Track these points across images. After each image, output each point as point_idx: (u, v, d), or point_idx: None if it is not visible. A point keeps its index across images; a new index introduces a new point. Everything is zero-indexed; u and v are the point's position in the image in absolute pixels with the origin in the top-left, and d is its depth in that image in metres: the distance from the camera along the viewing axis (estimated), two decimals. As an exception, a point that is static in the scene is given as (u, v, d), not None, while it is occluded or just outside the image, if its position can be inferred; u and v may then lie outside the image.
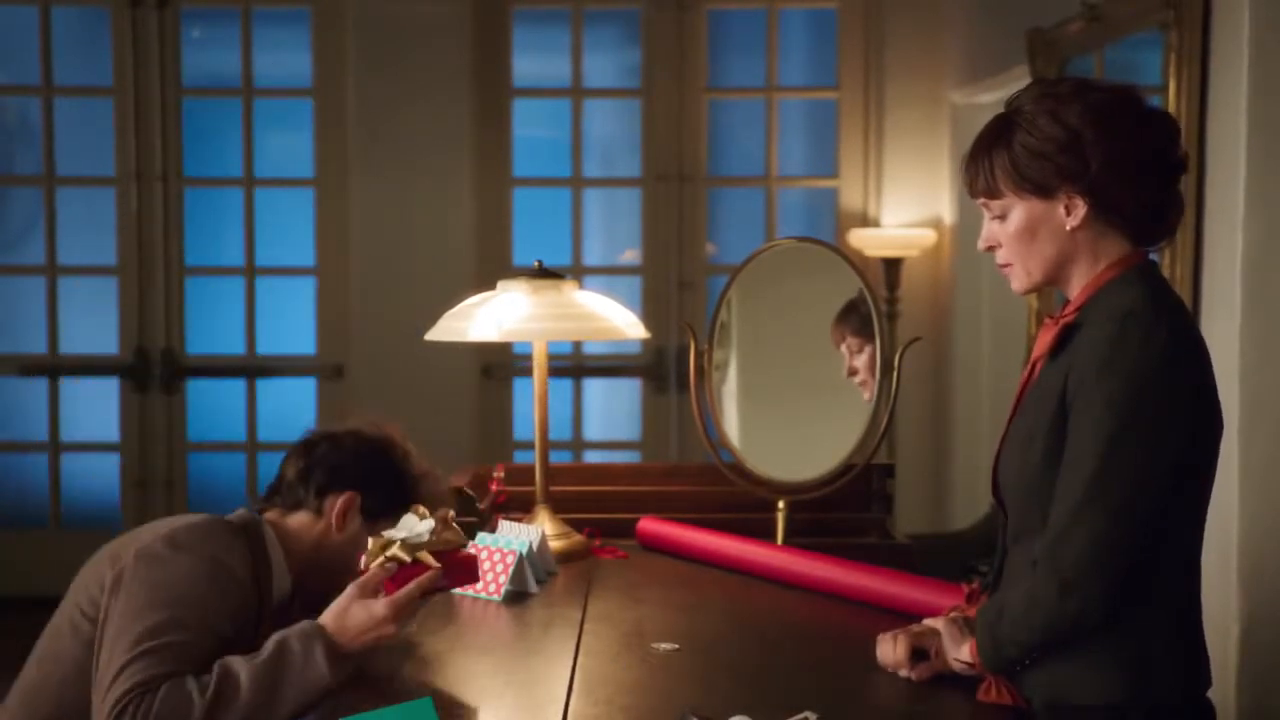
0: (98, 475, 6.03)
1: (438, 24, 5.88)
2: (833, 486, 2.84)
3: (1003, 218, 1.92)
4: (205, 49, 6.19)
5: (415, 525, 2.10)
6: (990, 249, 1.95)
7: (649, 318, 5.69)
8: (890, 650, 1.99)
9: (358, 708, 1.83)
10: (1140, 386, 1.77)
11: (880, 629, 2.05)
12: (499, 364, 5.98)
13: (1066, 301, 1.93)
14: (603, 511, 2.96)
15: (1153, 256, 1.94)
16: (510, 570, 2.47)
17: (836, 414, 2.87)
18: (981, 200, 1.93)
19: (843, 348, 2.88)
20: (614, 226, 6.16)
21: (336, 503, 2.34)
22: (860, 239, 5.72)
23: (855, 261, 2.96)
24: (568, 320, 2.74)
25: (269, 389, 6.05)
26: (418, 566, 2.07)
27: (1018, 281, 1.94)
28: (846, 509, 2.96)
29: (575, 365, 6.05)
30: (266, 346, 6.02)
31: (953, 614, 2.02)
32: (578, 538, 2.78)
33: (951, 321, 5.72)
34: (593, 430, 6.12)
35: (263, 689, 2.00)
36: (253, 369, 6.02)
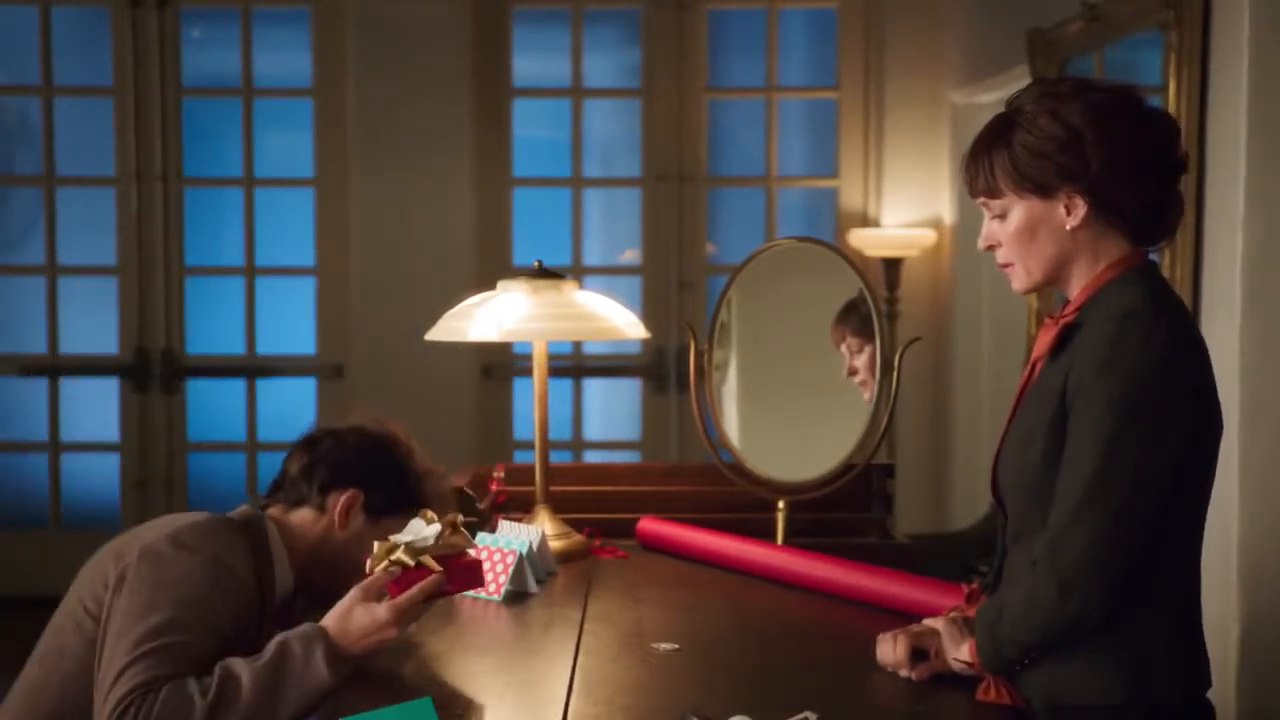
0: (98, 475, 6.03)
1: (438, 24, 5.88)
2: (833, 486, 2.84)
3: (1003, 217, 1.92)
4: (205, 49, 6.19)
5: (422, 529, 2.10)
6: (990, 248, 1.95)
7: (649, 318, 5.69)
8: (890, 650, 1.99)
9: (358, 708, 1.83)
10: (1140, 386, 1.77)
11: (880, 629, 2.04)
12: (499, 364, 5.98)
13: (1066, 301, 1.93)
14: (603, 511, 2.96)
15: (1153, 256, 1.94)
16: (510, 570, 2.47)
17: (836, 414, 2.87)
18: (981, 200, 1.93)
19: (843, 348, 2.88)
20: (614, 226, 6.16)
21: (339, 500, 2.33)
22: (860, 239, 5.72)
23: (855, 261, 2.96)
24: (568, 320, 2.74)
25: (269, 389, 6.05)
26: (421, 570, 2.07)
27: (1018, 281, 1.94)
28: (846, 509, 2.96)
29: (575, 365, 6.05)
30: (266, 346, 6.02)
31: (952, 614, 2.02)
32: (578, 538, 2.78)
33: (951, 321, 5.72)
34: (593, 430, 6.12)
35: (264, 691, 2.00)
36: (253, 369, 6.02)
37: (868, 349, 2.84)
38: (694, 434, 5.35)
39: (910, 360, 2.80)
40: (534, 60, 6.12)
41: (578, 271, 5.92)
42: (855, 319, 2.85)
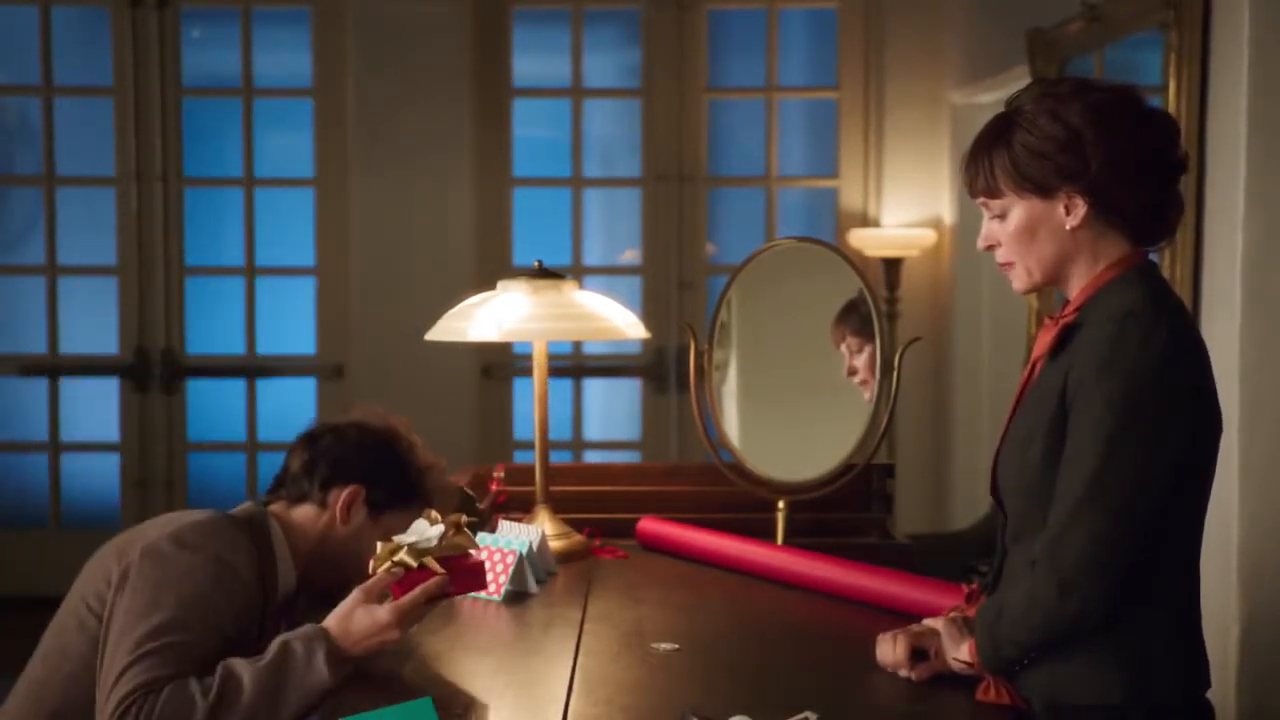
0: (98, 475, 6.03)
1: (438, 24, 5.88)
2: (833, 486, 2.84)
3: (1002, 217, 1.91)
4: (205, 49, 6.19)
5: (425, 530, 2.10)
6: (990, 248, 1.95)
7: (649, 318, 5.69)
8: (890, 650, 1.99)
9: (358, 708, 1.83)
10: (1140, 386, 1.77)
11: (880, 629, 2.04)
12: (499, 364, 5.98)
13: (1066, 301, 1.93)
14: (603, 511, 2.96)
15: (1152, 257, 1.94)
16: (510, 570, 2.47)
17: (836, 414, 2.87)
18: (981, 200, 1.93)
19: (843, 348, 2.88)
20: (614, 226, 6.16)
21: (341, 495, 2.34)
22: (860, 239, 5.72)
23: (855, 261, 2.96)
24: (568, 320, 2.74)
25: (269, 389, 6.05)
26: (424, 572, 2.07)
27: (1018, 281, 1.94)
28: (846, 509, 2.96)
29: (575, 365, 6.05)
30: (266, 346, 6.02)
31: (952, 614, 2.02)
32: (578, 538, 2.78)
33: (951, 321, 5.72)
34: (593, 430, 6.12)
35: (265, 692, 2.00)
36: (253, 369, 6.02)
37: (868, 349, 2.84)
38: (694, 434, 5.35)
39: (910, 360, 2.80)
40: (534, 60, 6.12)
41: (578, 271, 5.93)
42: (855, 319, 2.85)
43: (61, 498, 6.02)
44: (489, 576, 2.45)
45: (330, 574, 2.32)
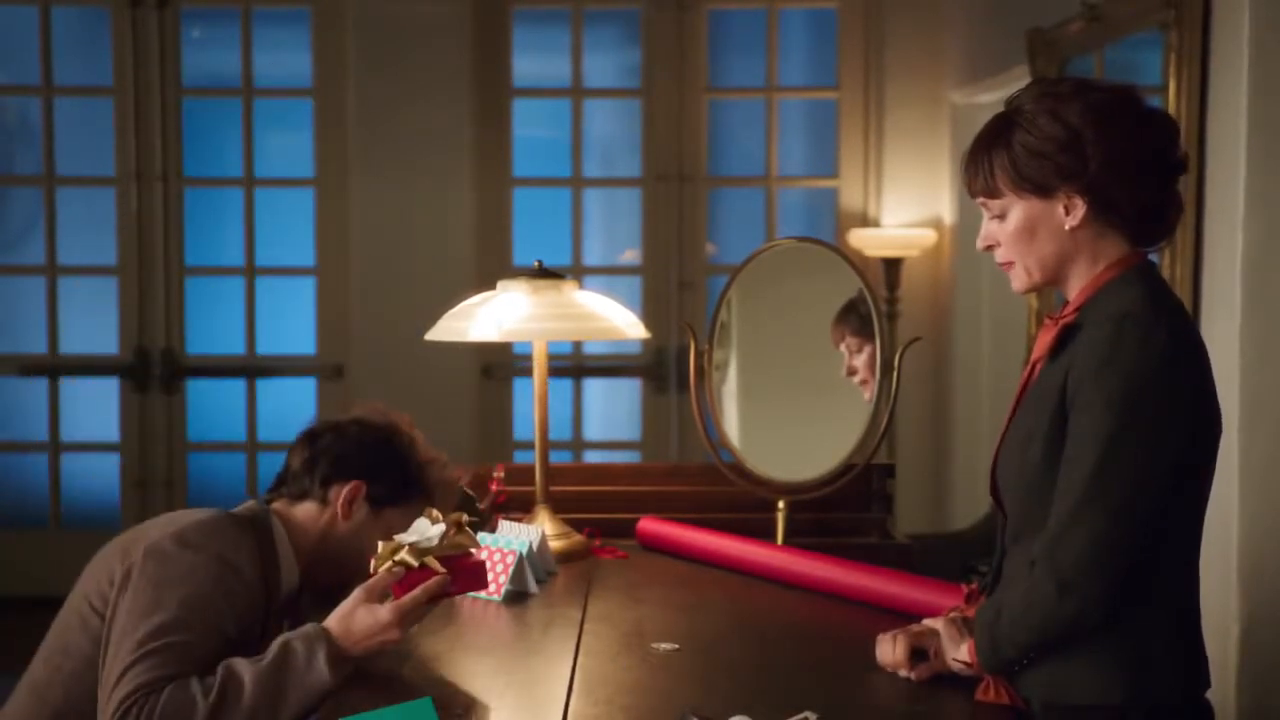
0: (98, 475, 6.03)
1: (438, 24, 5.88)
2: (833, 486, 2.84)
3: (1002, 217, 1.91)
4: (205, 49, 6.19)
5: (427, 529, 2.10)
6: (989, 248, 1.95)
7: (649, 318, 5.69)
8: (890, 650, 1.99)
9: (358, 708, 1.83)
10: (1139, 386, 1.77)
11: (880, 629, 2.04)
12: (499, 364, 5.99)
13: (1066, 302, 1.93)
14: (603, 511, 2.96)
15: (1152, 257, 1.94)
16: (510, 570, 2.47)
17: (836, 414, 2.87)
18: (981, 199, 1.93)
19: (842, 347, 2.88)
20: (614, 226, 6.16)
21: (342, 492, 2.34)
22: (860, 239, 5.72)
23: (855, 261, 2.96)
24: (568, 320, 2.74)
25: (269, 389, 6.05)
26: (425, 571, 2.07)
27: (1018, 281, 1.94)
28: (846, 509, 2.96)
29: (575, 365, 6.05)
30: (266, 346, 6.02)
31: (952, 614, 2.02)
32: (578, 538, 2.78)
33: (951, 321, 5.72)
34: (593, 430, 6.12)
35: (266, 692, 2.00)
36: (253, 369, 6.02)
37: (867, 349, 2.84)
38: (694, 434, 5.35)
39: (910, 360, 2.80)
40: (534, 60, 6.12)
41: (578, 271, 5.93)
42: (855, 319, 2.85)
43: (61, 498, 6.02)
44: (490, 577, 2.45)
45: (332, 572, 2.32)
